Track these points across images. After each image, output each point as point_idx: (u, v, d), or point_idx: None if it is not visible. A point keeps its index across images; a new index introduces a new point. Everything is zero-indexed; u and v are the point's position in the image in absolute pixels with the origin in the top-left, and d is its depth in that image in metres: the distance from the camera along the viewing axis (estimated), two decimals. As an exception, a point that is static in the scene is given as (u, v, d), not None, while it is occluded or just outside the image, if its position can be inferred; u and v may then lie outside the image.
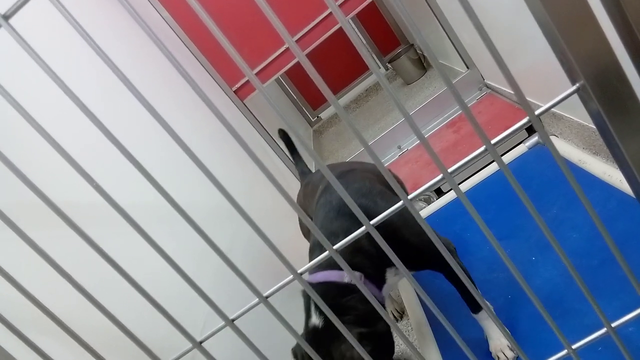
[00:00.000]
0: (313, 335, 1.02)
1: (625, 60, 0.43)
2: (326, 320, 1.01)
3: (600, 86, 0.40)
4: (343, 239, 0.47)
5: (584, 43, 0.39)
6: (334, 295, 1.02)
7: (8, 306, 0.63)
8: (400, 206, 0.45)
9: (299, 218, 1.76)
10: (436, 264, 1.16)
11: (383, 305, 1.16)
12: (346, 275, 1.03)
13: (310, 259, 1.19)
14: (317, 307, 1.03)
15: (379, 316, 1.01)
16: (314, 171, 1.94)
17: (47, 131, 0.40)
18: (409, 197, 0.47)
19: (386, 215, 0.47)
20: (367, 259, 1.07)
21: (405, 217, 1.08)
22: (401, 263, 0.49)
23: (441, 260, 1.23)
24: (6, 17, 0.38)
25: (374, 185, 1.20)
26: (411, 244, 1.08)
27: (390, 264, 1.10)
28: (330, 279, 1.04)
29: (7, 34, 0.41)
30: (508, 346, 1.21)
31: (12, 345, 0.59)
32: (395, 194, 1.08)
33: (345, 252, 1.03)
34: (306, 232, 1.65)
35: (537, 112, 0.42)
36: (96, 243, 0.48)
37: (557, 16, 0.39)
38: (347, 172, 1.31)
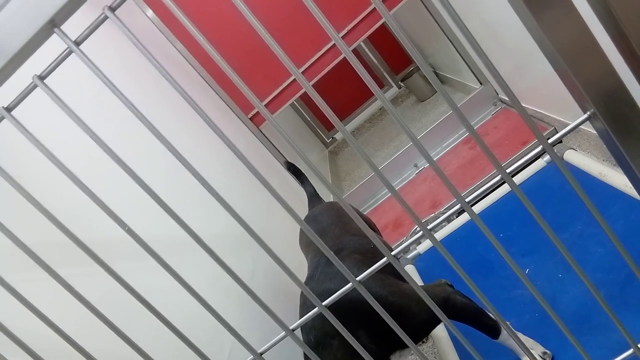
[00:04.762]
0: None
1: (633, 86, 0.44)
2: None
3: (610, 112, 0.41)
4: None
5: (591, 72, 0.41)
6: None
7: (41, 343, 0.65)
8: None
9: (299, 235, 1.76)
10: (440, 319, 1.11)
11: None
12: None
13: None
14: None
15: None
16: (322, 197, 1.95)
17: (80, 180, 0.42)
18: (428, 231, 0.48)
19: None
20: None
21: (400, 289, 1.06)
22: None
23: (445, 311, 1.20)
24: (42, 78, 0.41)
25: (362, 268, 1.15)
26: (413, 313, 1.04)
27: (393, 349, 1.06)
28: None
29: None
30: (540, 356, 1.19)
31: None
32: (384, 271, 1.06)
33: (345, 354, 0.99)
34: (304, 248, 1.65)
35: (550, 141, 0.43)
36: (123, 278, 0.50)
37: (563, 48, 0.41)
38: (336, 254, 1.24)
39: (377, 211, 2.76)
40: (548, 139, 0.44)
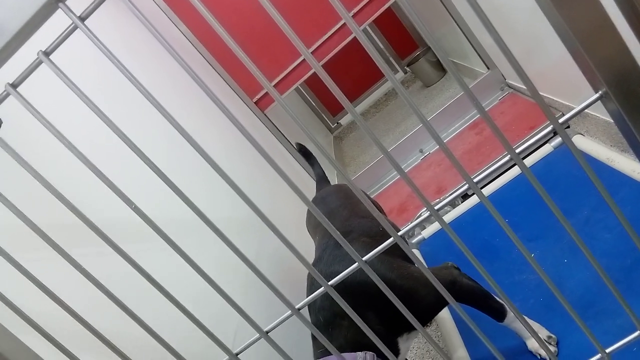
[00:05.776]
0: None
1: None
2: None
3: (623, 92, 0.40)
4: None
5: (604, 51, 0.40)
6: None
7: (50, 322, 0.66)
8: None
9: (306, 217, 1.77)
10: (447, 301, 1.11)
11: None
12: (358, 356, 0.96)
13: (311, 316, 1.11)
14: None
15: None
16: (330, 180, 1.95)
17: (87, 158, 0.42)
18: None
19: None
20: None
21: (408, 272, 1.05)
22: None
23: (452, 294, 1.20)
24: (47, 54, 0.40)
25: (370, 251, 1.15)
26: (420, 296, 1.05)
27: (401, 332, 1.06)
28: None
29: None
30: (545, 340, 1.19)
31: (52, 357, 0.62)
32: (392, 254, 1.03)
33: (355, 334, 0.99)
34: (312, 230, 1.64)
35: (560, 120, 0.42)
36: (130, 256, 0.50)
37: (576, 25, 0.40)
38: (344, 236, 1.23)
39: (381, 197, 2.76)
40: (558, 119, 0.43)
